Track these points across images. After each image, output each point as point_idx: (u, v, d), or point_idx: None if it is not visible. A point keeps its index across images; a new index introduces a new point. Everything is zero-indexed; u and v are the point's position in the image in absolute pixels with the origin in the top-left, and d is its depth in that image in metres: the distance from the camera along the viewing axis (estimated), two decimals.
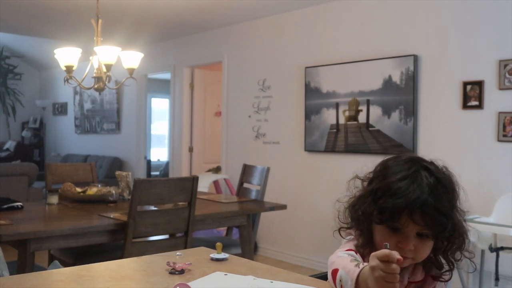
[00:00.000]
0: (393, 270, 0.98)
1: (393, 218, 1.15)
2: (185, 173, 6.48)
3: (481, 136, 3.62)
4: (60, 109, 9.37)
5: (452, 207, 1.18)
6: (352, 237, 1.31)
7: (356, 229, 1.27)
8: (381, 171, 1.24)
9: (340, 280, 1.13)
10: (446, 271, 1.26)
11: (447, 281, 1.27)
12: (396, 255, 0.98)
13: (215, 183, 5.75)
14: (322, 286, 1.32)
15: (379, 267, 0.99)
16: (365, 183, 1.28)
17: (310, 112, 4.78)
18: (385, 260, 0.98)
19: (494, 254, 3.22)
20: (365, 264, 1.10)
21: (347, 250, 1.23)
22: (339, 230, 1.31)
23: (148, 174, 8.60)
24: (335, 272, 1.17)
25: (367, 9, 4.37)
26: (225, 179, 5.70)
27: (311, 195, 4.80)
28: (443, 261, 1.25)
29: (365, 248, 1.25)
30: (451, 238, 1.19)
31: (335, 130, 4.56)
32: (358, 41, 4.43)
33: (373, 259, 1.01)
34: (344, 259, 1.18)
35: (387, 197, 1.16)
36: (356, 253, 1.22)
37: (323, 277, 1.47)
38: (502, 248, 3.18)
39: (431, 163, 1.23)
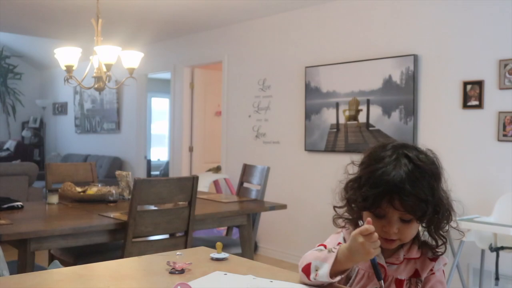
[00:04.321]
0: (375, 239, 1.11)
1: (374, 205, 1.22)
2: (185, 173, 6.48)
3: (481, 136, 3.62)
4: (60, 108, 9.37)
5: (432, 189, 1.22)
6: (338, 231, 1.38)
7: (348, 213, 1.33)
8: (365, 158, 1.31)
9: (316, 269, 1.20)
10: (440, 245, 1.30)
11: (442, 254, 1.31)
12: (371, 227, 1.11)
13: (215, 182, 5.75)
14: (322, 286, 1.32)
15: (365, 241, 1.11)
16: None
17: (310, 112, 4.78)
18: (368, 234, 1.11)
19: (494, 253, 3.23)
20: (338, 247, 1.20)
21: (318, 246, 1.30)
22: (333, 219, 1.37)
23: (148, 174, 8.60)
24: (307, 266, 1.23)
25: (367, 9, 4.37)
26: (225, 179, 5.70)
27: (311, 195, 4.80)
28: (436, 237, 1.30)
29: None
30: (435, 218, 1.25)
31: (335, 130, 4.56)
32: (358, 41, 4.43)
33: (358, 237, 1.12)
34: (312, 253, 1.26)
35: (368, 185, 1.22)
36: (325, 247, 1.28)
37: None
38: (502, 248, 3.18)
39: (413, 148, 1.28)
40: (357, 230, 1.14)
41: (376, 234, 1.12)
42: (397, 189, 1.19)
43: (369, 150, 1.31)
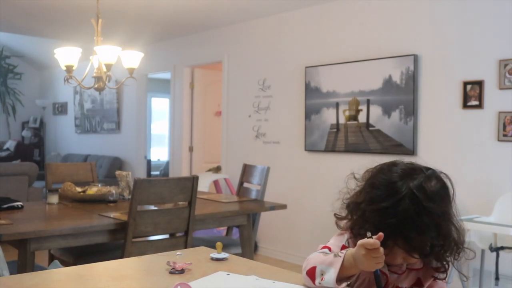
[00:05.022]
0: (380, 254, 1.10)
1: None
2: (185, 173, 6.48)
3: (481, 136, 3.62)
4: (60, 108, 9.37)
5: (438, 228, 1.17)
6: (342, 232, 1.35)
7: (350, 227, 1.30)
8: (371, 180, 1.25)
9: (322, 274, 1.18)
10: (442, 271, 1.28)
11: (442, 279, 1.29)
12: (377, 243, 1.09)
13: (215, 182, 5.75)
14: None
15: (368, 254, 1.10)
16: (360, 183, 1.30)
17: (310, 112, 4.78)
18: (372, 249, 1.09)
19: (494, 253, 3.22)
20: (344, 251, 1.18)
21: (321, 249, 1.28)
22: (336, 222, 1.35)
23: (148, 174, 8.60)
24: (312, 269, 1.21)
25: (367, 9, 4.37)
26: (225, 179, 5.70)
27: (311, 195, 4.80)
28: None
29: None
30: (440, 249, 1.21)
31: (335, 130, 4.56)
32: (358, 41, 4.43)
33: (361, 249, 1.11)
34: (317, 256, 1.23)
35: (372, 224, 1.18)
36: (330, 250, 1.27)
37: None
38: (502, 248, 3.18)
39: (422, 177, 1.20)
40: (363, 241, 1.12)
41: (381, 250, 1.10)
42: (400, 233, 1.15)
43: (375, 175, 1.26)
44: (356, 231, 1.26)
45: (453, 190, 1.23)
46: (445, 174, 1.25)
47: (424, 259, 1.26)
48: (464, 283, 3.45)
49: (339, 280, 1.16)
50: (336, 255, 1.19)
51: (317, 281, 1.20)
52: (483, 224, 3.09)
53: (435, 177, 1.22)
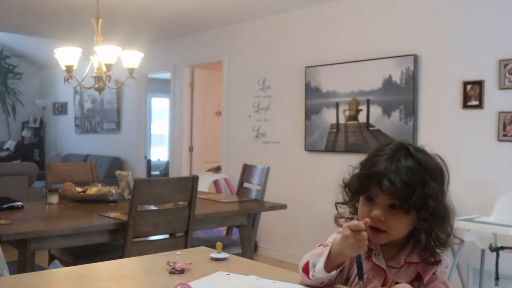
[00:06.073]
0: (363, 237, 1.14)
1: (365, 187, 1.26)
2: (185, 173, 6.48)
3: (481, 136, 3.62)
4: (60, 108, 9.37)
5: (424, 182, 1.22)
6: (339, 230, 1.37)
7: (347, 205, 1.36)
8: (370, 150, 1.35)
9: (314, 266, 1.23)
10: (437, 253, 1.30)
11: (438, 262, 1.30)
12: (362, 225, 1.15)
13: (215, 182, 5.75)
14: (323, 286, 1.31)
15: (351, 236, 1.15)
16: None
17: (310, 112, 4.78)
18: (356, 230, 1.14)
19: (494, 253, 3.22)
20: (331, 240, 1.24)
21: (318, 247, 1.31)
22: (335, 218, 1.39)
23: (148, 174, 8.60)
24: (306, 265, 1.25)
25: (367, 9, 4.37)
26: (225, 179, 5.70)
27: (311, 195, 4.80)
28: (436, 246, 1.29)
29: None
30: (429, 222, 1.24)
31: (335, 130, 4.56)
32: (358, 41, 4.43)
33: (346, 229, 1.16)
34: (310, 252, 1.28)
35: (364, 169, 1.28)
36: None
37: None
38: (502, 248, 3.18)
39: (419, 148, 1.30)
40: (348, 223, 1.17)
41: (364, 233, 1.15)
42: (388, 173, 1.22)
43: (375, 146, 1.36)
44: (352, 205, 1.33)
45: (448, 175, 1.29)
46: (441, 158, 1.31)
47: (416, 240, 1.28)
48: (464, 283, 3.45)
49: (329, 268, 1.20)
50: (325, 245, 1.24)
51: (310, 274, 1.23)
52: (483, 224, 3.09)
53: (432, 154, 1.31)
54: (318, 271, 1.21)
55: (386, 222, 1.24)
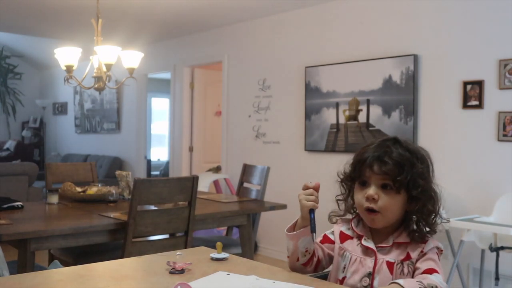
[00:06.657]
0: (310, 192, 1.48)
1: (357, 172, 1.40)
2: (185, 173, 6.48)
3: (481, 136, 3.62)
4: (60, 108, 9.37)
5: (412, 164, 1.33)
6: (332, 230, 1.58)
7: (345, 200, 1.52)
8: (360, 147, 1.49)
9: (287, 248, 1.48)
10: (426, 235, 1.37)
11: (426, 241, 1.36)
12: (309, 183, 1.49)
13: (215, 182, 5.75)
14: (322, 286, 1.32)
15: (301, 193, 1.47)
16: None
17: (310, 112, 4.78)
18: (305, 188, 1.47)
19: (494, 253, 3.22)
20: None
21: None
22: (329, 216, 1.60)
23: (148, 174, 8.60)
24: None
25: (367, 9, 4.37)
26: (225, 179, 5.70)
27: None
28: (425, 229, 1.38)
29: (350, 211, 1.51)
30: (420, 200, 1.33)
31: (335, 130, 4.56)
32: (358, 41, 4.43)
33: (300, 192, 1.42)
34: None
35: (357, 158, 1.42)
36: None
37: (323, 277, 1.47)
38: (502, 248, 3.18)
39: (404, 140, 1.41)
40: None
41: (311, 190, 1.46)
42: (378, 155, 1.35)
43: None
44: (350, 197, 1.47)
45: (432, 165, 1.39)
46: (425, 150, 1.41)
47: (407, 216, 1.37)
48: (464, 283, 3.45)
49: (290, 231, 1.47)
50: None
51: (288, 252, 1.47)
52: (483, 224, 3.09)
53: (418, 146, 1.42)
54: (287, 240, 1.45)
55: (379, 202, 1.34)
